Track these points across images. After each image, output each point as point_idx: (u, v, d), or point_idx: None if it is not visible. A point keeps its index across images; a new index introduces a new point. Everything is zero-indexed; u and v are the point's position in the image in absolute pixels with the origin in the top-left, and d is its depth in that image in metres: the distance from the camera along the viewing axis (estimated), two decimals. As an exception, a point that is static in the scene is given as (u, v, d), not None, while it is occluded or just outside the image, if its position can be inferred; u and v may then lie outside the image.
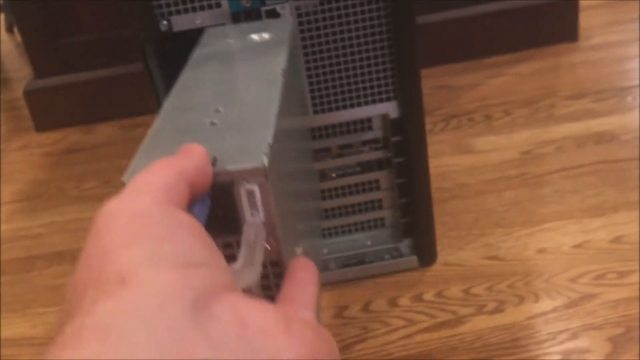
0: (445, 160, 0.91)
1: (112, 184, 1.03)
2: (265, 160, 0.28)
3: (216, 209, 0.28)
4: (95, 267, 0.20)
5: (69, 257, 0.84)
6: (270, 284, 0.31)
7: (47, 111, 1.31)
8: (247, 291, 0.27)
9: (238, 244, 0.28)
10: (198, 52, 0.47)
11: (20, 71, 1.92)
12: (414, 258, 0.69)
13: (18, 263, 0.84)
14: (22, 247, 0.88)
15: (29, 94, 1.30)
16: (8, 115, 1.50)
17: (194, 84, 0.40)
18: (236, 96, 0.37)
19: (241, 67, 0.43)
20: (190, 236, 0.22)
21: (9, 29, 2.39)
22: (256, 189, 0.28)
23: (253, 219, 0.29)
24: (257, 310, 0.20)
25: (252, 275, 0.27)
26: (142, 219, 0.21)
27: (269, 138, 0.30)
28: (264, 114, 0.34)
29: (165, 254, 0.20)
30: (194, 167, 0.25)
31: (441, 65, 1.26)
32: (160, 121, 0.35)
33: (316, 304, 0.26)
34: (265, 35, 0.48)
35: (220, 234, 0.28)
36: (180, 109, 0.36)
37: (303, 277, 0.28)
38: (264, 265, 0.29)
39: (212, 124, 0.33)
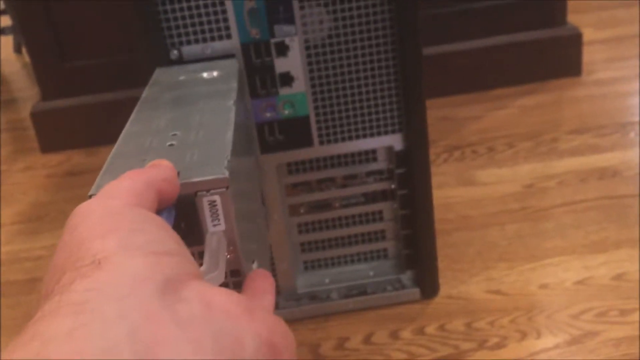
0: (448, 191, 0.91)
1: (115, 208, 1.03)
2: (226, 172, 0.31)
3: (179, 221, 0.30)
4: (72, 254, 0.21)
5: (70, 280, 0.83)
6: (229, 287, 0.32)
7: (53, 133, 1.32)
8: None
9: (201, 255, 0.30)
10: (151, 88, 0.49)
11: (26, 91, 1.93)
12: (417, 290, 0.69)
13: (18, 285, 0.84)
14: (23, 269, 0.88)
15: (35, 115, 1.31)
16: (13, 135, 1.51)
17: (150, 114, 0.41)
18: (191, 122, 0.38)
19: (194, 98, 0.44)
20: (160, 230, 0.23)
21: (17, 50, 2.41)
22: (218, 199, 0.30)
23: (214, 228, 0.30)
24: (222, 295, 0.21)
25: (216, 280, 0.28)
26: (114, 215, 0.23)
27: (227, 155, 0.33)
28: (219, 136, 0.36)
29: (136, 243, 0.21)
30: (162, 177, 0.27)
31: (444, 96, 1.27)
32: (120, 145, 0.36)
33: (272, 312, 0.28)
34: (214, 73, 0.51)
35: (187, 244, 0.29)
36: (138, 134, 0.37)
37: (261, 285, 0.29)
38: (225, 275, 0.30)
39: (171, 145, 0.35)
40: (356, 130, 0.64)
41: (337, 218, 0.69)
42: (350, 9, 0.59)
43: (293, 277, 0.70)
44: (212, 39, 0.58)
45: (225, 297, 0.21)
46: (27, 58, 1.75)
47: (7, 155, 1.36)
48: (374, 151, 0.66)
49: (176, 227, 0.28)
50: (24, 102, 1.80)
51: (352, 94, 0.62)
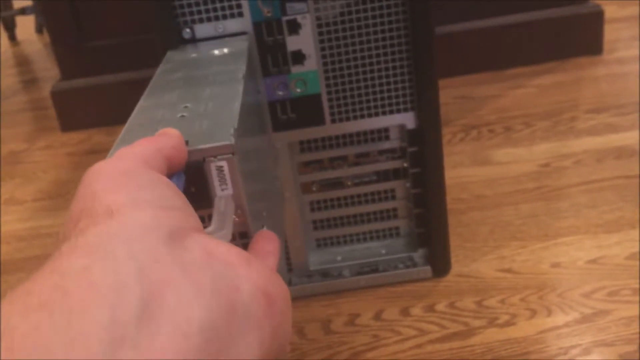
0: (463, 171, 0.91)
1: (133, 186, 1.04)
2: (232, 139, 0.32)
3: (189, 186, 0.31)
4: (86, 205, 0.23)
5: (89, 256, 0.85)
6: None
7: (73, 112, 1.34)
8: None
9: (210, 217, 0.32)
10: (164, 66, 0.50)
11: (48, 71, 1.96)
12: (428, 268, 0.70)
13: (37, 261, 0.86)
14: (43, 245, 0.90)
15: (55, 95, 1.33)
16: (35, 114, 1.53)
17: (162, 89, 0.43)
18: (201, 96, 0.40)
19: (204, 74, 0.46)
20: (167, 188, 0.25)
21: (39, 30, 2.44)
22: (225, 164, 0.32)
23: (223, 192, 0.32)
24: (223, 247, 0.24)
25: (224, 239, 0.29)
26: (125, 174, 0.25)
27: (234, 123, 0.35)
28: (227, 107, 0.38)
29: (145, 198, 0.23)
30: (171, 145, 0.29)
31: (462, 75, 1.26)
32: (133, 118, 0.38)
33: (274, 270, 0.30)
34: (225, 50, 0.53)
35: (196, 209, 0.30)
36: (151, 108, 0.39)
37: (265, 247, 0.31)
38: (233, 237, 0.33)
39: (182, 117, 0.37)
40: (368, 108, 0.64)
41: (349, 196, 0.70)
42: (362, -13, 0.58)
43: (305, 255, 0.70)
44: (225, 17, 0.59)
45: (226, 249, 0.24)
46: (48, 38, 1.77)
47: (28, 133, 1.39)
48: (386, 129, 0.66)
49: (186, 191, 0.30)
50: (46, 81, 1.82)
51: (364, 72, 0.62)
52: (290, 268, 0.71)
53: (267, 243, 0.32)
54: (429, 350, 0.61)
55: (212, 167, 0.32)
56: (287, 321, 0.25)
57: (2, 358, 0.17)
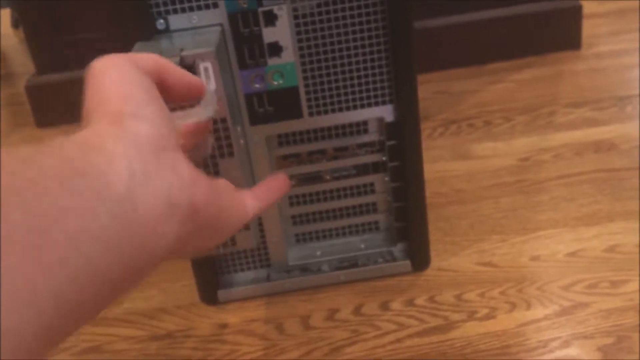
0: (443, 165, 0.91)
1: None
2: (214, 47, 0.50)
3: None
4: (100, 103, 0.29)
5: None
6: (220, 136, 0.54)
7: (48, 107, 1.31)
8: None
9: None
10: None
11: (24, 66, 1.92)
12: (407, 262, 0.69)
13: None
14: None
15: (30, 90, 1.31)
16: (10, 110, 1.50)
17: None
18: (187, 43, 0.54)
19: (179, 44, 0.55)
20: (159, 107, 0.29)
21: (15, 25, 2.39)
22: (209, 65, 0.49)
23: (209, 86, 0.41)
24: (185, 166, 0.28)
25: (209, 111, 0.39)
26: (131, 82, 0.29)
27: (215, 41, 0.53)
28: (208, 37, 0.55)
29: (145, 114, 0.28)
30: (169, 65, 0.33)
31: (441, 70, 1.26)
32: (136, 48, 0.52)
33: (268, 205, 0.37)
34: (198, 37, 0.57)
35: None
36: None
37: (274, 184, 0.40)
38: (215, 122, 0.52)
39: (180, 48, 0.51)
40: (346, 101, 0.63)
41: (329, 190, 0.69)
42: (339, -23, 0.58)
43: (284, 250, 0.70)
44: (199, 8, 0.57)
45: (186, 168, 0.28)
46: (23, 33, 1.73)
47: (3, 130, 1.36)
48: (365, 123, 0.66)
49: None
50: (21, 77, 1.78)
51: (342, 65, 0.61)
52: (269, 264, 0.70)
53: (277, 182, 0.39)
54: (409, 345, 0.61)
55: (201, 67, 0.49)
56: (210, 229, 0.30)
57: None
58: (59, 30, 1.27)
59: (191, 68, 0.49)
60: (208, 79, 0.49)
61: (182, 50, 0.50)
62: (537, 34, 1.27)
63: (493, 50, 1.26)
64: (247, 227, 0.58)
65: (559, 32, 1.28)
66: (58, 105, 1.31)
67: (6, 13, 2.34)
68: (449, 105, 1.11)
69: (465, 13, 1.24)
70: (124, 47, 0.56)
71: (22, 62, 2.00)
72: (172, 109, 0.52)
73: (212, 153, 0.55)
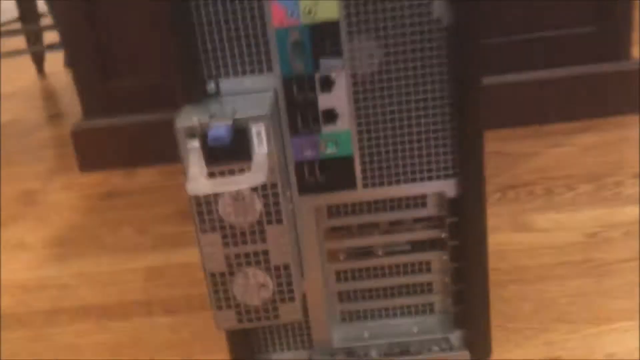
0: (501, 237, 0.84)
1: (148, 234, 0.99)
2: (268, 110, 0.49)
3: (236, 144, 0.48)
4: None
5: (94, 313, 0.80)
6: (269, 202, 0.51)
7: (93, 152, 1.30)
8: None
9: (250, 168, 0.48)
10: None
11: (74, 106, 1.94)
12: (466, 353, 0.62)
13: (41, 316, 0.80)
14: (48, 297, 0.85)
15: (75, 134, 1.30)
16: (56, 152, 1.50)
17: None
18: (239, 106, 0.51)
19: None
20: None
21: (68, 64, 2.44)
22: (262, 129, 0.48)
23: (260, 150, 0.48)
24: None
25: (258, 178, 0.46)
26: None
27: (268, 103, 0.51)
28: (261, 99, 0.52)
29: None
30: None
31: (495, 129, 1.20)
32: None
33: None
34: (250, 101, 0.54)
35: (239, 161, 0.48)
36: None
37: None
38: (265, 187, 0.50)
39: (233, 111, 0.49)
40: (405, 173, 0.58)
41: (380, 267, 0.63)
42: (403, 43, 0.53)
43: (329, 329, 0.64)
44: (252, 72, 0.54)
45: None
46: (73, 75, 1.74)
47: (46, 172, 1.35)
48: (423, 196, 0.60)
49: (234, 150, 0.48)
50: (70, 117, 1.80)
51: (402, 134, 0.56)
52: (311, 344, 0.64)
53: None
54: None
55: (253, 130, 0.48)
56: None
57: None
58: (108, 74, 1.27)
59: (243, 132, 0.47)
60: (260, 143, 0.48)
61: (235, 113, 0.48)
62: (600, 96, 1.20)
63: (553, 111, 1.20)
64: (292, 297, 0.53)
65: (623, 95, 1.21)
66: (103, 150, 1.30)
67: (59, 55, 2.39)
68: (505, 169, 1.05)
69: (524, 71, 1.19)
70: (173, 98, 0.53)
71: (72, 102, 2.02)
72: (222, 174, 0.49)
73: (259, 219, 0.51)
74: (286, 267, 0.53)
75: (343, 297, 0.64)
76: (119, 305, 0.81)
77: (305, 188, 0.58)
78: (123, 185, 1.21)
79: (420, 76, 0.54)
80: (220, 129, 0.47)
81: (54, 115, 1.87)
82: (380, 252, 0.63)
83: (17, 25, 2.29)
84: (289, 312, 0.54)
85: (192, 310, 0.77)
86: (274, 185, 0.50)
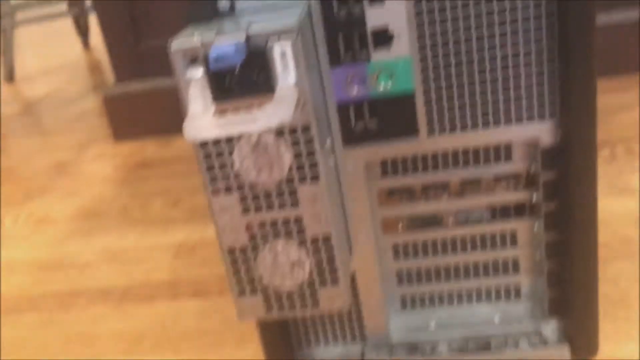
0: (600, 203, 0.68)
1: (180, 207, 0.88)
2: (296, 22, 0.34)
3: (253, 72, 0.34)
4: None
5: (114, 295, 0.69)
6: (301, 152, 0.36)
7: (126, 119, 1.21)
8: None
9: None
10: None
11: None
12: (564, 347, 0.48)
13: (56, 299, 0.71)
14: (66, 277, 0.75)
15: (108, 101, 1.20)
16: (93, 122, 1.42)
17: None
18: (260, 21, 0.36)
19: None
20: None
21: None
22: (288, 49, 0.34)
23: (285, 79, 0.34)
24: None
25: (281, 115, 0.32)
26: None
27: (297, 16, 0.36)
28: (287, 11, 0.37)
29: None
30: None
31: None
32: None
33: None
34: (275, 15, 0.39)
35: (256, 95, 0.34)
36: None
37: None
38: (295, 131, 0.36)
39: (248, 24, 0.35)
40: (484, 114, 0.43)
41: (451, 239, 0.49)
42: None
43: (385, 319, 0.50)
44: (278, -21, 0.40)
45: None
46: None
47: (80, 142, 1.27)
48: (507, 146, 0.46)
49: (249, 79, 0.34)
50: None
51: (480, 60, 0.42)
52: (363, 336, 0.51)
53: None
54: None
55: (276, 50, 0.34)
56: None
57: None
58: (140, 36, 1.16)
59: (263, 53, 0.34)
60: (285, 68, 0.34)
61: (250, 25, 0.34)
62: None
63: (651, 56, 1.01)
64: (335, 279, 0.40)
65: None
66: (137, 117, 1.20)
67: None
68: (598, 124, 0.87)
69: (621, 10, 1.01)
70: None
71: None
72: (236, 110, 0.34)
73: (288, 176, 0.37)
74: (326, 238, 0.39)
75: (403, 278, 0.51)
76: (142, 286, 0.70)
77: (351, 137, 0.44)
78: (157, 155, 1.11)
79: (506, -24, 0.39)
80: (225, 46, 0.33)
81: (96, 87, 1.80)
82: (450, 221, 0.48)
83: (60, -4, 2.23)
84: (332, 298, 0.41)
85: (224, 294, 0.66)
86: (305, 128, 0.36)
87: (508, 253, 0.49)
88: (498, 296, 0.51)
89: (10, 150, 1.32)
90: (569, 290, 0.47)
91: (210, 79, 0.35)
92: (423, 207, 0.48)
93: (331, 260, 0.40)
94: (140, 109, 1.19)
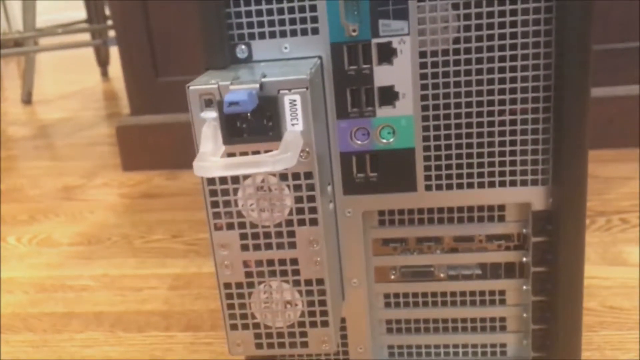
0: (590, 270, 0.69)
1: (180, 240, 0.90)
2: (307, 75, 0.37)
3: (262, 118, 0.36)
4: None
5: (108, 321, 0.70)
6: (302, 196, 0.39)
7: (137, 150, 1.23)
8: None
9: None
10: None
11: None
12: (545, 412, 0.49)
13: (51, 320, 0.72)
14: (63, 299, 0.76)
15: (121, 130, 1.23)
16: (104, 149, 1.45)
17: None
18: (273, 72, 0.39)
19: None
20: None
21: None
22: (298, 98, 0.36)
23: (293, 127, 0.36)
24: None
25: (286, 162, 0.34)
26: None
27: (310, 67, 0.38)
28: (301, 63, 0.41)
29: None
30: None
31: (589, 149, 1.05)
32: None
33: None
34: (288, 68, 0.41)
35: (265, 140, 0.36)
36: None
37: None
38: (297, 177, 0.38)
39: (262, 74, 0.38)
40: (480, 175, 0.45)
41: (441, 293, 0.50)
42: (490, 14, 0.41)
43: (372, 366, 0.51)
44: (294, 33, 0.43)
45: None
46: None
47: (89, 169, 1.29)
48: (501, 207, 0.47)
49: (259, 124, 0.36)
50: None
51: (479, 124, 0.44)
52: (348, 382, 0.52)
53: None
54: None
55: (286, 100, 0.36)
56: None
57: None
58: (158, 72, 1.20)
59: (274, 102, 0.36)
60: (294, 117, 0.36)
61: (264, 76, 0.37)
62: None
63: (651, 131, 1.04)
64: (325, 322, 0.41)
65: None
66: (147, 149, 1.23)
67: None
68: (594, 193, 0.90)
69: (618, 85, 1.04)
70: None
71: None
72: (244, 152, 0.37)
73: (288, 218, 0.39)
74: (320, 282, 0.41)
75: (392, 327, 0.52)
76: (136, 314, 0.71)
77: (351, 187, 0.46)
78: (163, 187, 1.13)
79: (509, 47, 0.42)
80: (240, 92, 0.36)
81: (111, 115, 1.84)
82: (442, 275, 0.50)
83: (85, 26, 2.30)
84: (321, 340, 0.42)
85: (215, 329, 0.67)
86: (308, 175, 0.38)
87: (496, 312, 0.50)
88: (484, 353, 0.52)
89: (20, 170, 1.35)
90: (553, 354, 0.48)
91: (222, 122, 0.37)
92: (416, 259, 0.49)
93: (323, 303, 0.42)
94: (151, 142, 1.22)
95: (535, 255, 0.47)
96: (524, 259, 0.48)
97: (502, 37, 0.42)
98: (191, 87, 0.38)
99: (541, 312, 0.48)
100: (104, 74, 2.44)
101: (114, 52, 2.30)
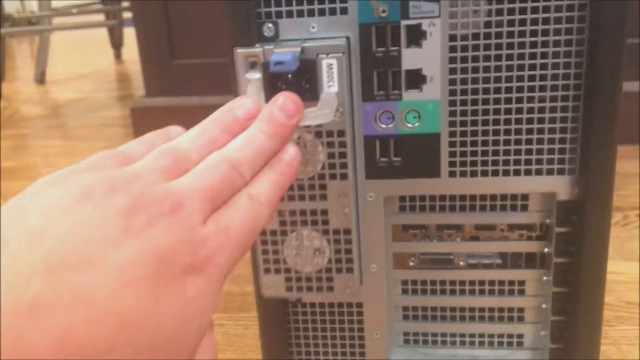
0: (607, 265, 0.69)
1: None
2: (344, 43, 0.40)
3: (300, 80, 0.38)
4: None
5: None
6: (334, 153, 0.42)
7: (150, 131, 1.23)
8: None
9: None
10: None
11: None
12: (562, 404, 0.48)
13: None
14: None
15: (135, 111, 1.23)
16: (116, 131, 1.45)
17: None
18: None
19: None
20: None
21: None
22: (335, 62, 0.39)
23: (329, 89, 0.39)
24: None
25: (324, 117, 0.38)
26: None
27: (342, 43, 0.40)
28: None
29: None
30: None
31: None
32: None
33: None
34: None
35: (304, 99, 0.37)
36: None
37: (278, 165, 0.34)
38: (331, 133, 0.41)
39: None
40: (505, 163, 0.45)
41: (460, 281, 0.50)
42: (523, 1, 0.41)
43: (386, 352, 0.51)
44: (322, 12, 0.42)
45: None
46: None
47: (104, 149, 1.29)
48: (525, 196, 0.47)
49: (299, 84, 0.38)
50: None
51: (507, 111, 0.43)
52: (363, 367, 0.52)
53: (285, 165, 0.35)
54: None
55: (324, 64, 0.39)
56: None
57: None
58: (174, 54, 1.20)
59: (312, 64, 0.39)
60: (330, 79, 0.39)
61: (304, 41, 0.40)
62: None
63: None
64: (350, 268, 0.45)
65: None
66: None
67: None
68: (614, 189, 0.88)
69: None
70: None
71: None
72: None
73: (321, 172, 0.43)
74: (347, 231, 0.44)
75: (408, 313, 0.52)
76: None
77: (374, 171, 0.46)
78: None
79: (542, 33, 0.41)
80: (284, 54, 0.38)
81: (124, 97, 1.84)
82: (461, 263, 0.50)
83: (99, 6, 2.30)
84: (345, 286, 0.45)
85: (228, 310, 0.66)
86: (341, 133, 0.41)
87: (515, 302, 0.50)
88: (501, 343, 0.51)
89: (33, 149, 1.35)
90: (571, 346, 0.48)
91: (266, 81, 0.39)
92: (436, 247, 0.49)
93: (349, 251, 0.45)
94: (165, 124, 1.22)
95: (558, 245, 0.46)
96: (546, 250, 0.47)
97: (534, 22, 0.41)
98: (238, 50, 0.40)
99: (561, 304, 0.48)
100: (117, 56, 2.44)
101: (128, 34, 2.30)
